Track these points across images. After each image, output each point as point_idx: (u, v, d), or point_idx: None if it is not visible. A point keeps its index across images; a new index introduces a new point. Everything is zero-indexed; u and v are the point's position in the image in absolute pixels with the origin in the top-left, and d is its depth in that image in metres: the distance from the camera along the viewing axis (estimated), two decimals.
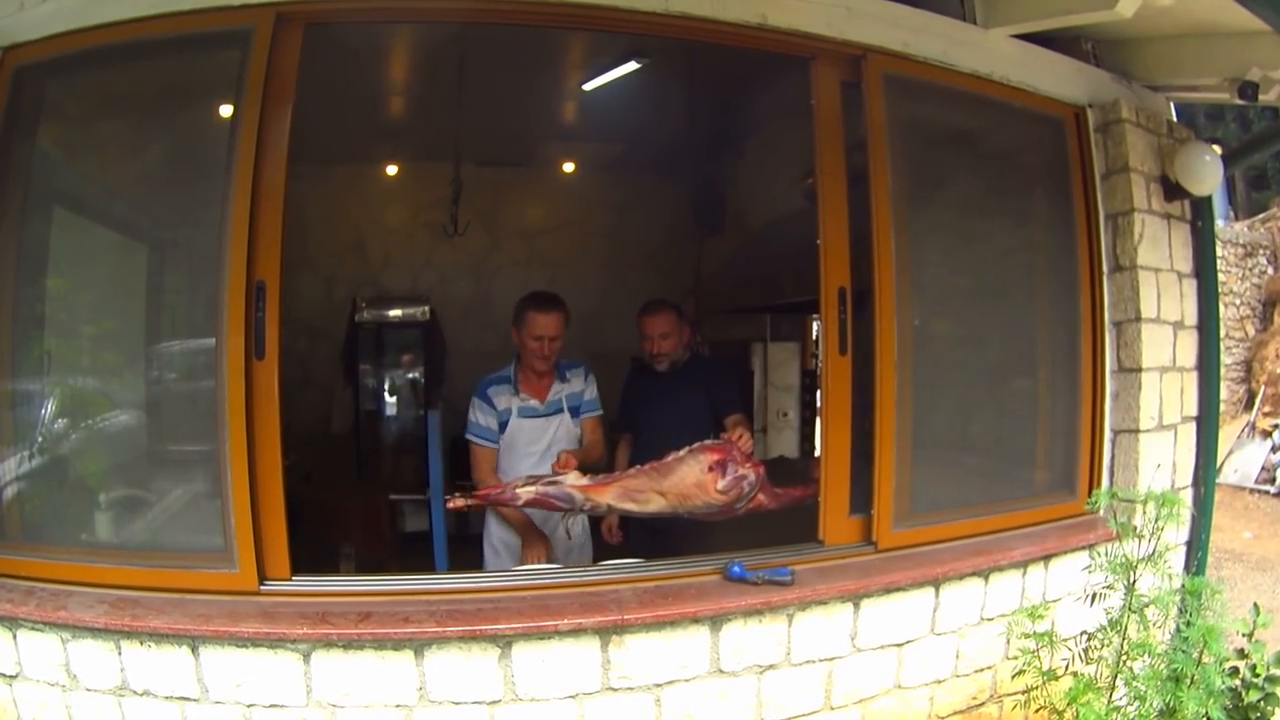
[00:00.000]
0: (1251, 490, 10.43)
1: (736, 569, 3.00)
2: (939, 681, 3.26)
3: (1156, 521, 2.90)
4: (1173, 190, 3.74)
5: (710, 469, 3.18)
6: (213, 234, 2.79)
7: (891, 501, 3.24)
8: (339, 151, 6.01)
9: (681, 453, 3.22)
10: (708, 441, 3.27)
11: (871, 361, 3.21)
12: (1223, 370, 3.88)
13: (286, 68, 2.85)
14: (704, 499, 3.20)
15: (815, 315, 5.98)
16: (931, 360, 3.42)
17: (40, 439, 2.93)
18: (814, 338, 6.53)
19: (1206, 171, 3.66)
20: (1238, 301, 12.76)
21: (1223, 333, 3.80)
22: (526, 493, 3.15)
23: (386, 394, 6.63)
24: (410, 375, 6.61)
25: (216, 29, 2.86)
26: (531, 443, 3.73)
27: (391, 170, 7.07)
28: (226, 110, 2.87)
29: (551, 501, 3.17)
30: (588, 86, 5.19)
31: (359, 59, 4.38)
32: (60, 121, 3.07)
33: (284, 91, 2.84)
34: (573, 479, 3.17)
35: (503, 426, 3.75)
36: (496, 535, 3.80)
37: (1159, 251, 3.71)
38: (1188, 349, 3.83)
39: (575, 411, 3.84)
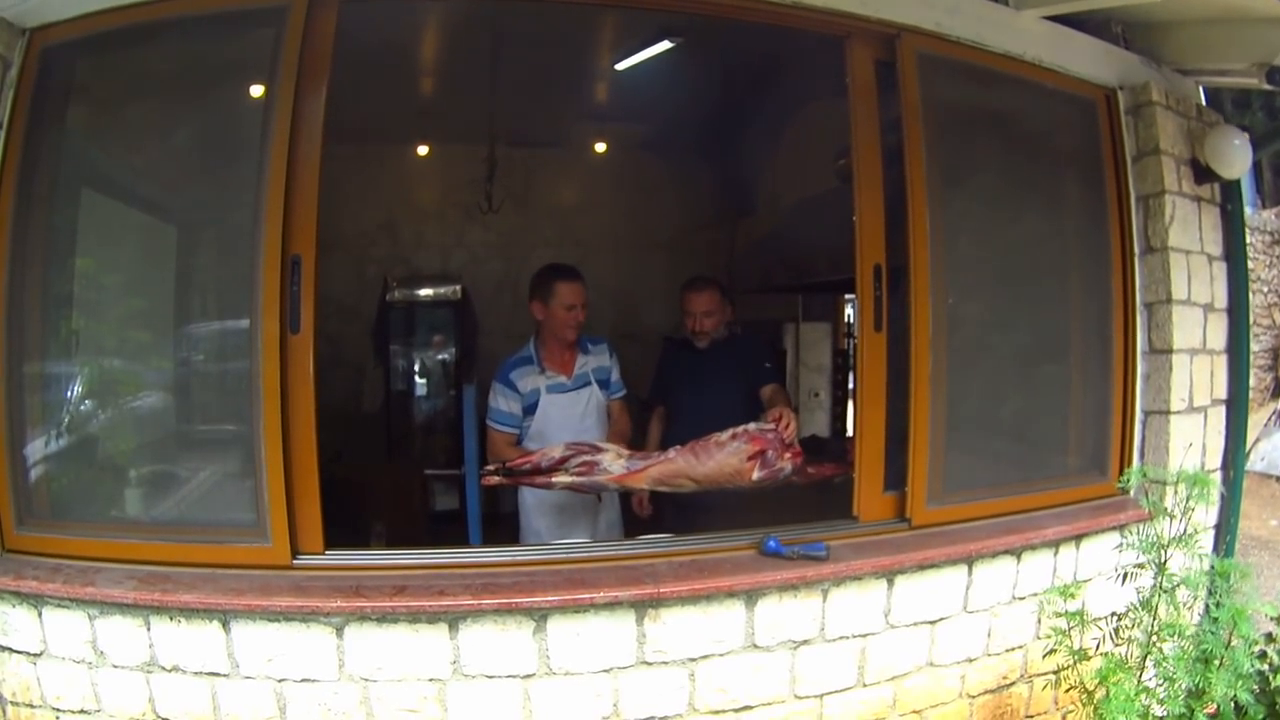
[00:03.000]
0: (1279, 479, 10.14)
1: (772, 543, 2.85)
2: (970, 660, 3.09)
3: (1187, 502, 2.75)
4: (1203, 173, 3.56)
5: (750, 458, 3.05)
6: (247, 210, 2.66)
7: (925, 479, 3.08)
8: (371, 131, 5.81)
9: (724, 436, 3.08)
10: (752, 428, 3.12)
11: (906, 340, 3.06)
12: (1250, 358, 3.71)
13: (321, 46, 2.70)
14: (736, 484, 3.08)
15: (848, 295, 5.82)
16: (965, 339, 3.25)
17: (69, 418, 2.78)
18: (846, 318, 6.36)
19: (1236, 155, 3.49)
20: (1265, 289, 12.27)
21: (1250, 319, 3.61)
22: (561, 481, 3.05)
23: (417, 373, 6.47)
24: (441, 355, 6.44)
25: (250, 7, 2.73)
26: (565, 417, 3.58)
27: (423, 150, 6.86)
28: (260, 89, 2.73)
29: (585, 487, 3.08)
30: (620, 66, 5.00)
31: (392, 38, 4.23)
32: (89, 102, 2.90)
33: (319, 69, 2.70)
34: (608, 460, 3.04)
35: (530, 409, 3.58)
36: (533, 519, 3.65)
37: (1189, 234, 3.53)
38: (1218, 332, 3.65)
39: (603, 385, 3.69)
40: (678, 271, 6.43)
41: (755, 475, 3.05)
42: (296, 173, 2.64)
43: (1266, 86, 3.45)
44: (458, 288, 6.44)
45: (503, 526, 4.05)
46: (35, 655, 2.57)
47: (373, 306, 6.49)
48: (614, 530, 3.69)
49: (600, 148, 7.04)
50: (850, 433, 3.85)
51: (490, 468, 3.18)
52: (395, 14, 3.79)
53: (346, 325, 6.53)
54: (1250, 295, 3.77)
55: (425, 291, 6.46)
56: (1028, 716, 3.25)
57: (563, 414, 3.58)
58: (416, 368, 6.45)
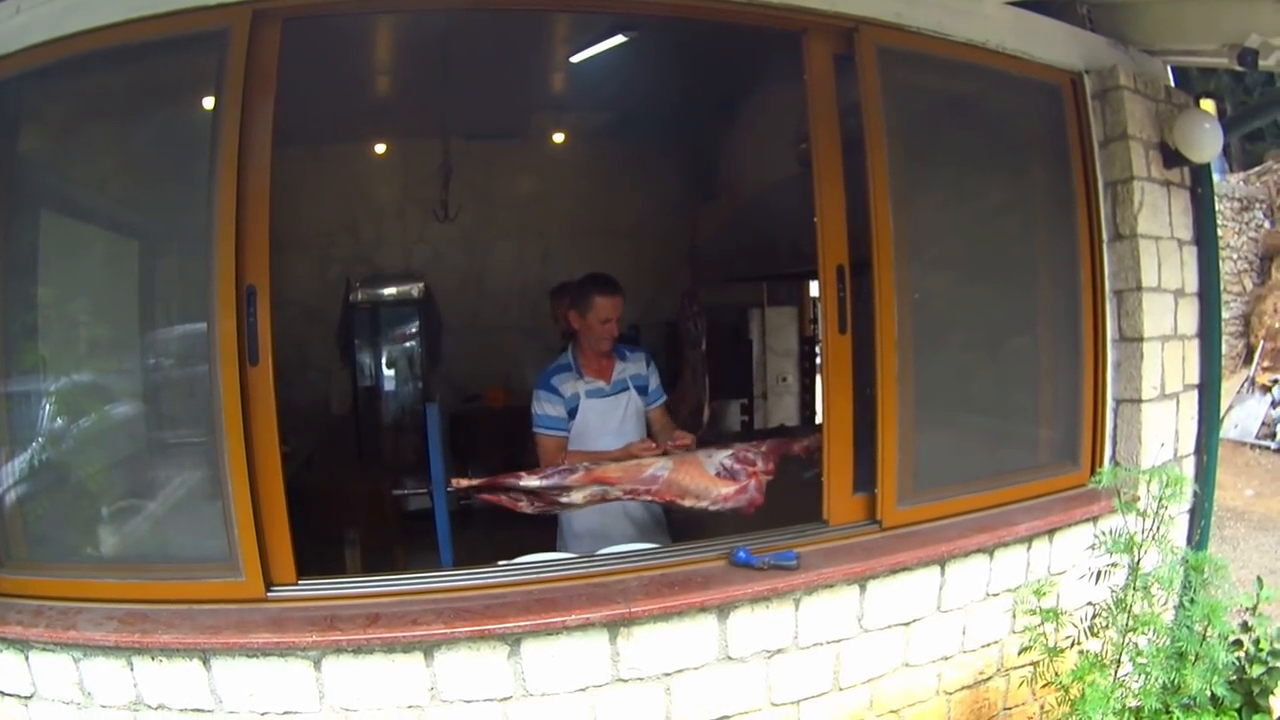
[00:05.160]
0: (1252, 446, 10.48)
1: (742, 554, 3.00)
2: (946, 658, 3.28)
3: (1160, 502, 2.88)
4: (1172, 157, 3.70)
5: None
6: (200, 241, 2.75)
7: (895, 479, 3.24)
8: (328, 131, 5.96)
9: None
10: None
11: (872, 336, 3.19)
12: (1223, 339, 3.86)
13: (265, 65, 2.78)
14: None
15: (814, 278, 6.00)
16: (932, 335, 3.40)
17: (39, 460, 2.91)
18: (812, 299, 6.51)
19: (1206, 139, 3.62)
20: (1235, 256, 12.83)
21: (1222, 301, 3.79)
22: (525, 508, 3.24)
23: (385, 373, 6.62)
24: (408, 354, 6.60)
25: (193, 30, 2.78)
26: (604, 421, 3.78)
27: (381, 148, 7.00)
28: (205, 114, 2.81)
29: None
30: (576, 59, 5.12)
31: (343, 41, 4.32)
32: (42, 135, 3.01)
33: (264, 89, 2.78)
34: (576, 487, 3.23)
35: (572, 413, 3.77)
36: (575, 523, 3.81)
37: (1159, 219, 3.68)
38: (1189, 317, 3.81)
39: (641, 391, 3.88)
40: (642, 259, 6.68)
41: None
42: (247, 202, 2.73)
43: (1238, 68, 3.57)
44: (421, 285, 6.62)
45: (475, 526, 4.22)
46: (26, 698, 2.70)
47: (336, 307, 6.62)
48: (650, 533, 3.81)
49: (559, 138, 7.20)
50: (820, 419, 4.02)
51: (458, 481, 3.32)
52: (342, 26, 3.86)
53: (312, 327, 6.68)
54: (1221, 277, 3.91)
55: (388, 291, 6.65)
56: (1005, 709, 3.44)
57: (601, 419, 3.78)
58: (383, 368, 6.60)
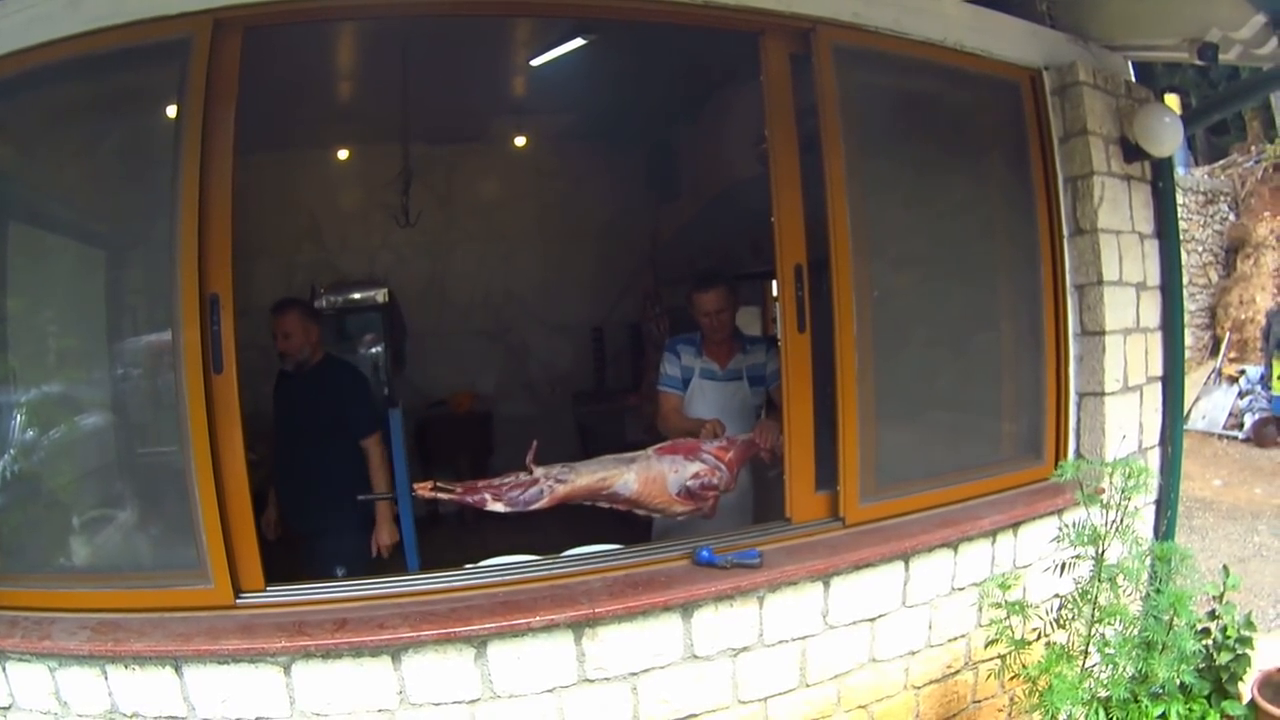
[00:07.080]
0: (1220, 436, 10.83)
1: (705, 553, 3.16)
2: (913, 653, 3.45)
3: (1123, 493, 3.01)
4: (1132, 152, 3.88)
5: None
6: (164, 250, 2.90)
7: (857, 476, 3.40)
8: (290, 138, 6.14)
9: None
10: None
11: (832, 334, 3.36)
12: (1187, 318, 4.04)
13: (227, 74, 2.93)
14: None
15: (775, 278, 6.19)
16: (893, 332, 3.56)
17: (10, 472, 3.05)
18: (774, 297, 6.72)
19: (1166, 133, 3.80)
20: (1200, 249, 13.41)
21: (1185, 279, 3.98)
22: (495, 507, 3.38)
23: None
24: (372, 360, 6.73)
25: (155, 40, 2.92)
26: (709, 403, 4.09)
27: (343, 154, 7.22)
28: (170, 123, 2.95)
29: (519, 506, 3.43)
30: (535, 62, 5.31)
31: (303, 48, 4.47)
32: (8, 145, 3.13)
33: (226, 97, 2.92)
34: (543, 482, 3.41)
35: (686, 382, 4.14)
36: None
37: (1120, 214, 3.86)
38: (1151, 310, 4.00)
39: (756, 381, 4.15)
40: (604, 261, 6.91)
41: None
42: (209, 211, 2.88)
43: (1198, 62, 3.75)
44: (385, 291, 6.78)
45: (440, 529, 4.38)
46: (5, 709, 2.83)
47: None
48: (738, 512, 3.98)
49: (520, 141, 7.44)
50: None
51: (423, 488, 3.49)
52: (303, 33, 4.01)
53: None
54: (1185, 257, 4.12)
55: (352, 297, 6.79)
56: (974, 701, 3.63)
57: (706, 399, 4.12)
58: None
